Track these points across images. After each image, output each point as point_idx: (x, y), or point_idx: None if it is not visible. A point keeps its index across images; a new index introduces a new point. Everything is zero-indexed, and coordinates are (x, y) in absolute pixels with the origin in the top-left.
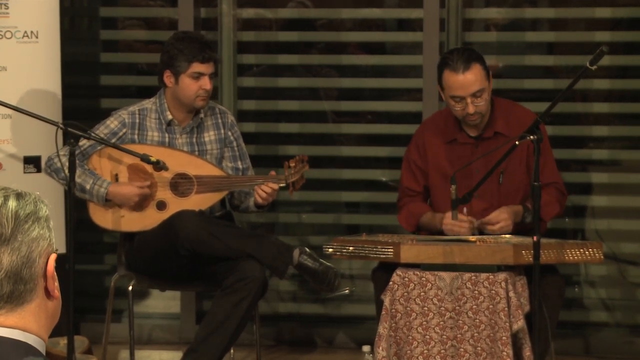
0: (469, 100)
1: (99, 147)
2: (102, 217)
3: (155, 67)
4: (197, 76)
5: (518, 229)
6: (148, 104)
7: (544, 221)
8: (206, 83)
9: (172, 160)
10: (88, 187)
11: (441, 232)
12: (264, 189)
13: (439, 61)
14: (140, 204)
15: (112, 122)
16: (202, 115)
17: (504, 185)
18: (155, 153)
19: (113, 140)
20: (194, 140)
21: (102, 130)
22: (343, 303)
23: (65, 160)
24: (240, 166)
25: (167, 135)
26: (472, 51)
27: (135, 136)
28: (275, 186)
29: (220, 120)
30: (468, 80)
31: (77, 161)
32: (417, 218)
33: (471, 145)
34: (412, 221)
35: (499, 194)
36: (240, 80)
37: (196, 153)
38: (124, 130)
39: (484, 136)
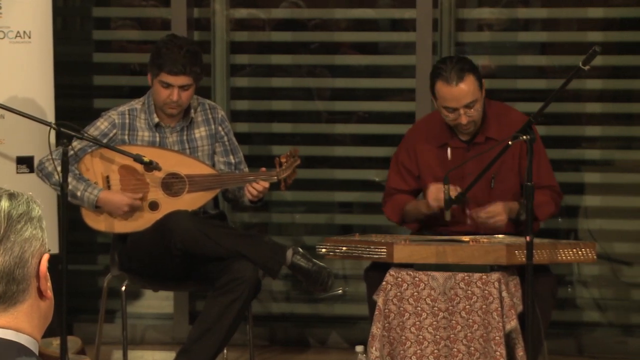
0: (461, 111)
1: (89, 150)
2: (95, 219)
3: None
4: (166, 85)
5: (512, 229)
6: (137, 104)
7: (539, 220)
8: (173, 94)
9: (162, 160)
10: (79, 193)
11: (428, 220)
12: (255, 187)
13: (432, 70)
14: (130, 212)
15: (102, 124)
16: (192, 114)
17: (496, 189)
18: (146, 153)
19: (104, 142)
20: (185, 137)
21: (92, 131)
22: (336, 303)
23: (57, 164)
24: (233, 160)
25: (157, 134)
26: (466, 61)
27: (126, 137)
28: (266, 184)
29: (210, 116)
30: (461, 92)
31: (69, 166)
32: (402, 206)
33: (463, 149)
34: (397, 209)
35: (491, 198)
36: (233, 80)
37: (187, 151)
38: (114, 131)
39: (475, 141)
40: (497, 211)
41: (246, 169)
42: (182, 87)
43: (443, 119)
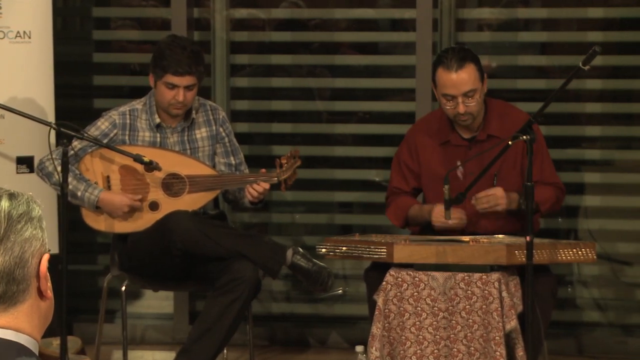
0: (460, 99)
1: (90, 150)
2: (95, 219)
3: (148, 68)
4: (171, 87)
5: (511, 230)
6: (138, 104)
7: (541, 212)
8: (179, 94)
9: (163, 161)
10: (79, 193)
11: (430, 223)
12: (256, 188)
13: (435, 58)
14: (130, 213)
15: (102, 124)
16: (193, 115)
17: (498, 186)
18: (146, 154)
19: (104, 142)
20: (186, 138)
21: (92, 131)
22: (336, 303)
23: (57, 163)
24: (233, 161)
25: (158, 135)
26: (468, 51)
27: (126, 137)
28: (267, 185)
29: (211, 117)
30: (461, 79)
31: (70, 166)
32: (405, 210)
33: (464, 147)
34: (400, 213)
35: None
36: (233, 80)
37: (188, 151)
38: (115, 131)
39: (477, 138)
40: (496, 194)
41: (246, 171)
42: (187, 87)
43: (444, 117)
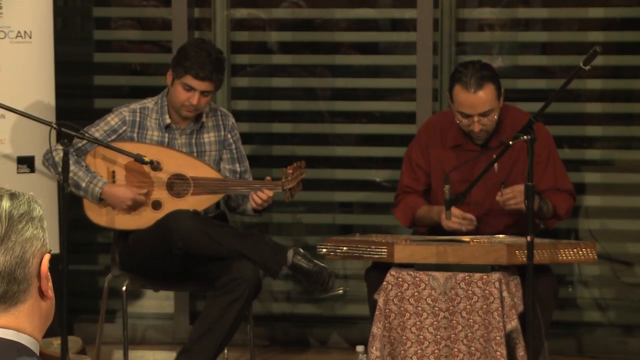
0: (476, 118)
1: (96, 145)
2: (97, 214)
3: (148, 68)
4: (189, 88)
5: (519, 229)
6: (150, 103)
7: (559, 217)
8: (194, 98)
9: (169, 161)
10: (83, 184)
11: (439, 225)
12: (260, 196)
13: (453, 72)
14: (133, 207)
15: (112, 119)
16: (203, 119)
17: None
18: (153, 152)
19: (112, 137)
20: (193, 141)
21: (102, 126)
22: (337, 303)
23: (58, 159)
24: (238, 169)
25: (166, 135)
26: (487, 69)
27: (135, 134)
28: (271, 193)
29: (221, 122)
30: (479, 99)
31: (75, 157)
32: (414, 210)
33: (475, 152)
34: (408, 213)
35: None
36: (234, 80)
37: (195, 154)
38: (124, 128)
39: (489, 145)
40: (516, 192)
41: (251, 179)
42: (203, 93)
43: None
